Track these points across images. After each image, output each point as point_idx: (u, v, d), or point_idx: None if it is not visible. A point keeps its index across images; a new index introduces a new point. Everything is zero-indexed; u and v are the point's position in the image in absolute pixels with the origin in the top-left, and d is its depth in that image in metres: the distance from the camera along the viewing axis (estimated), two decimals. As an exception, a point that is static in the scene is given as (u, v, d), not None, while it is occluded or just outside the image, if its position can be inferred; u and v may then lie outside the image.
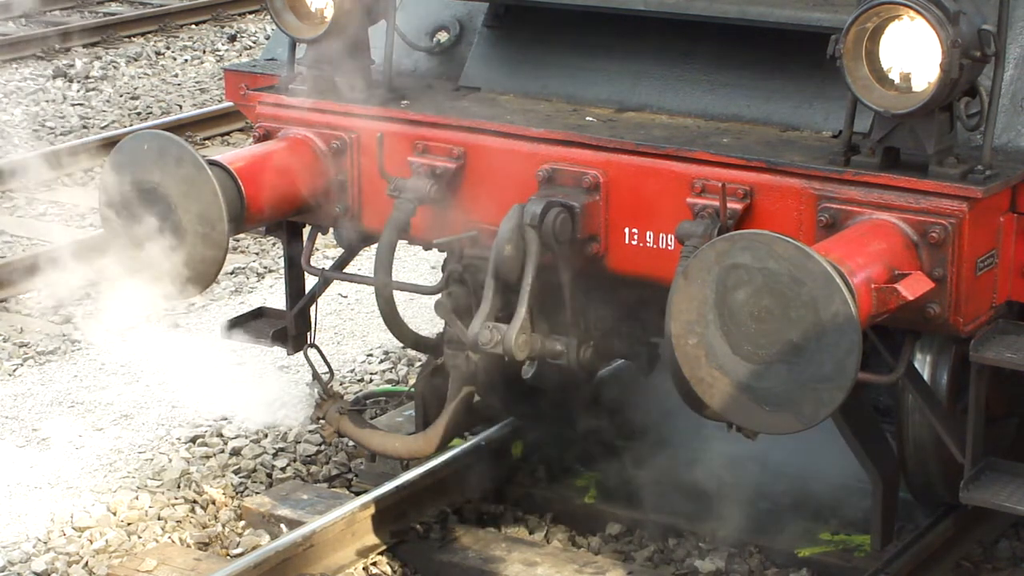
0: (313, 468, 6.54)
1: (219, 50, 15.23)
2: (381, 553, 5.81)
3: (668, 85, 5.33)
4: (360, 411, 5.90)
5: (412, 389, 6.82)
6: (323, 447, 6.69)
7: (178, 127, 11.64)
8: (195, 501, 6.26)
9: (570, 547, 5.91)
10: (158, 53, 15.04)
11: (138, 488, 6.38)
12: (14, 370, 7.73)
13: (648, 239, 4.95)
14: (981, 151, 4.57)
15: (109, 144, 10.50)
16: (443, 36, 5.89)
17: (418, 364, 7.46)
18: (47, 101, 13.20)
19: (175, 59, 14.87)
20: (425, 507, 5.97)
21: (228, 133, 12.22)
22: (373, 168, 5.28)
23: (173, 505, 6.22)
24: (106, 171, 5.17)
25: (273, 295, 8.47)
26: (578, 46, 5.51)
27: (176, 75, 14.26)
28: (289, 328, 5.96)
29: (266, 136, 5.56)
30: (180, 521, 6.11)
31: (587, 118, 5.27)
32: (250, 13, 16.75)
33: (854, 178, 4.60)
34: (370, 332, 8.03)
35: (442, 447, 5.54)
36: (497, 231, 4.96)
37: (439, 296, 5.28)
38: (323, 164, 5.44)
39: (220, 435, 6.84)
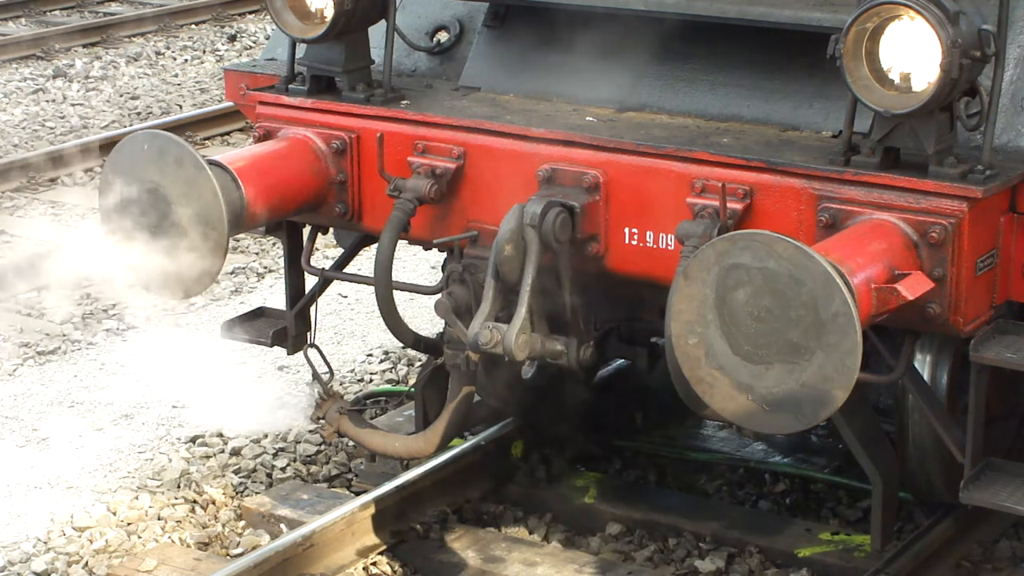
0: (313, 468, 6.54)
1: (219, 50, 15.23)
2: (381, 553, 5.81)
3: (668, 85, 5.33)
4: (360, 411, 5.90)
5: (412, 389, 6.82)
6: (323, 447, 6.69)
7: (178, 127, 11.64)
8: (195, 501, 6.26)
9: (570, 547, 5.91)
10: (158, 53, 15.04)
11: (138, 488, 6.38)
12: (14, 370, 7.73)
13: (648, 239, 4.95)
14: (981, 151, 4.58)
15: (109, 144, 10.50)
16: (443, 36, 5.89)
17: (418, 364, 7.46)
18: (47, 101, 13.20)
19: (175, 59, 14.88)
20: (425, 507, 5.97)
21: (228, 133, 12.23)
22: (373, 168, 5.28)
23: (173, 505, 6.22)
24: (106, 171, 5.17)
25: (273, 295, 8.47)
26: (578, 46, 5.51)
27: (176, 75, 14.26)
28: (289, 328, 5.96)
29: (266, 136, 5.56)
30: (180, 521, 6.11)
31: (587, 118, 5.27)
32: (250, 13, 16.76)
33: (854, 178, 4.60)
34: (370, 332, 8.04)
35: (442, 447, 5.54)
36: (497, 231, 4.96)
37: (439, 296, 5.28)
38: (323, 164, 5.44)
39: (220, 435, 6.84)
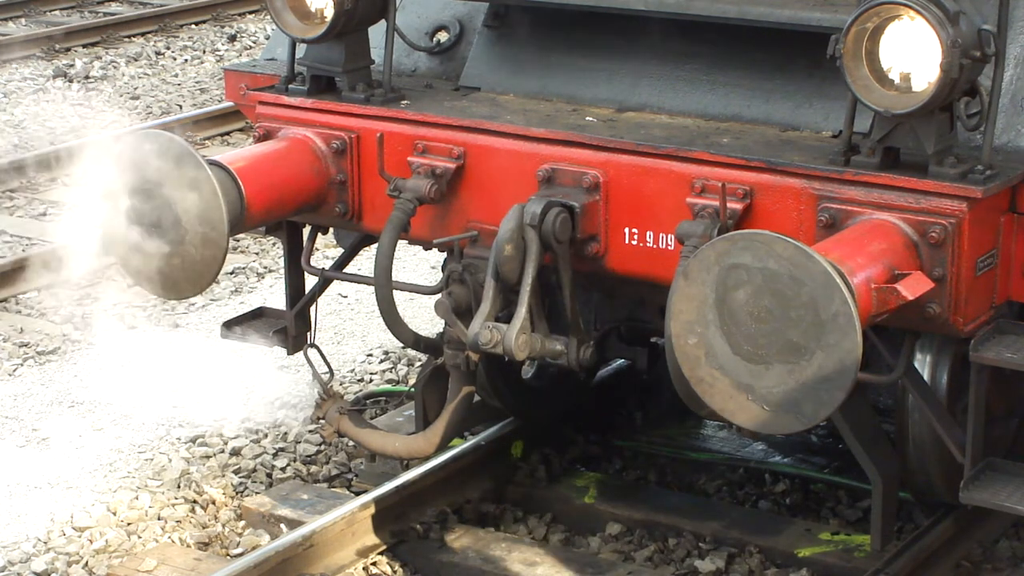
0: (313, 468, 6.54)
1: (219, 50, 15.23)
2: (381, 553, 5.81)
3: (668, 85, 5.33)
4: (360, 411, 5.90)
5: (412, 389, 6.82)
6: (323, 447, 6.69)
7: (178, 127, 11.64)
8: (195, 501, 6.26)
9: (570, 547, 5.92)
10: (158, 53, 15.04)
11: (138, 488, 6.38)
12: (14, 370, 7.73)
13: (648, 239, 4.95)
14: (981, 151, 4.57)
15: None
16: (443, 36, 5.89)
17: (418, 364, 7.47)
18: (47, 101, 13.20)
19: (175, 59, 14.88)
20: (425, 507, 5.97)
21: (228, 133, 12.23)
22: (373, 168, 5.28)
23: (173, 505, 6.22)
24: (106, 171, 5.16)
25: (273, 295, 8.47)
26: (578, 46, 5.51)
27: (176, 75, 14.26)
28: (289, 328, 5.95)
29: (266, 136, 5.55)
30: (180, 521, 6.11)
31: (587, 118, 5.27)
32: (250, 13, 16.75)
33: (854, 178, 4.60)
34: (370, 332, 8.04)
35: (442, 447, 5.54)
36: (497, 231, 4.96)
37: (439, 296, 5.28)
38: (323, 164, 5.44)
39: (220, 435, 6.83)
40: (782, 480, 6.31)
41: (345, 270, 6.01)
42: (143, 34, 15.77)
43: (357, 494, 6.14)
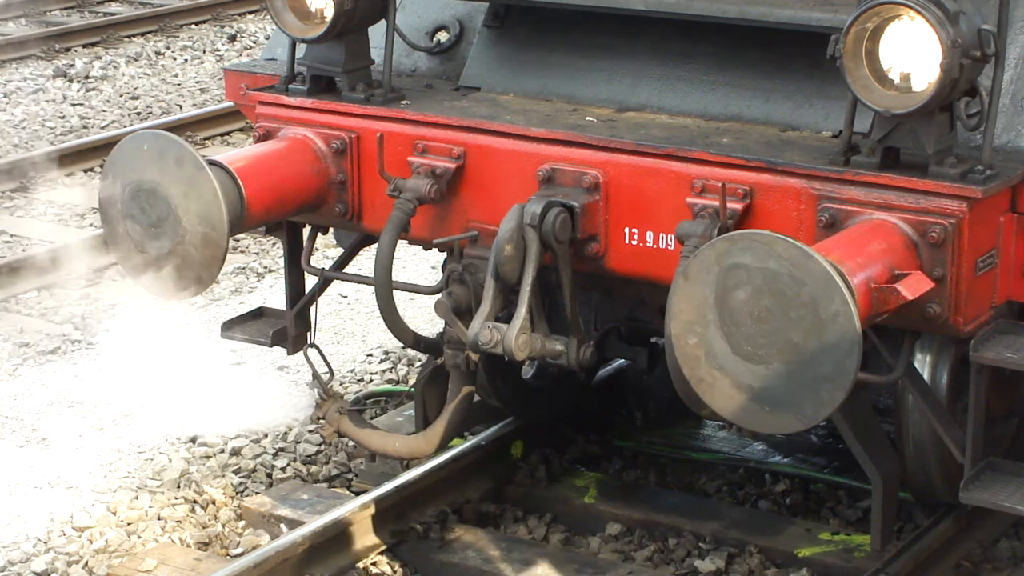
0: (313, 468, 6.54)
1: (219, 50, 15.23)
2: (381, 553, 5.81)
3: (668, 85, 5.33)
4: (360, 411, 5.90)
5: (412, 389, 6.83)
6: (323, 447, 6.69)
7: (178, 127, 11.64)
8: (195, 501, 6.26)
9: (570, 547, 5.91)
10: (158, 53, 15.04)
11: (138, 488, 6.38)
12: (14, 370, 7.73)
13: (648, 239, 4.95)
14: (981, 151, 4.57)
15: (109, 144, 10.51)
16: (443, 36, 5.89)
17: (418, 364, 7.46)
18: (47, 101, 13.20)
19: (175, 59, 14.88)
20: (425, 507, 5.97)
21: (228, 133, 12.23)
22: (373, 168, 5.28)
23: (173, 505, 6.22)
24: (106, 171, 5.17)
25: (273, 295, 8.47)
26: (578, 46, 5.51)
27: (176, 75, 14.26)
28: (289, 328, 5.95)
29: (266, 136, 5.55)
30: (180, 521, 6.11)
31: (587, 118, 5.27)
32: (250, 13, 16.75)
33: (854, 178, 4.60)
34: (370, 332, 8.04)
35: (442, 447, 5.54)
36: (497, 231, 4.96)
37: (439, 296, 5.28)
38: (323, 164, 5.44)
39: (220, 435, 6.83)
40: (782, 480, 6.31)
41: (345, 270, 6.01)
42: (143, 34, 15.77)
43: (357, 494, 6.14)
